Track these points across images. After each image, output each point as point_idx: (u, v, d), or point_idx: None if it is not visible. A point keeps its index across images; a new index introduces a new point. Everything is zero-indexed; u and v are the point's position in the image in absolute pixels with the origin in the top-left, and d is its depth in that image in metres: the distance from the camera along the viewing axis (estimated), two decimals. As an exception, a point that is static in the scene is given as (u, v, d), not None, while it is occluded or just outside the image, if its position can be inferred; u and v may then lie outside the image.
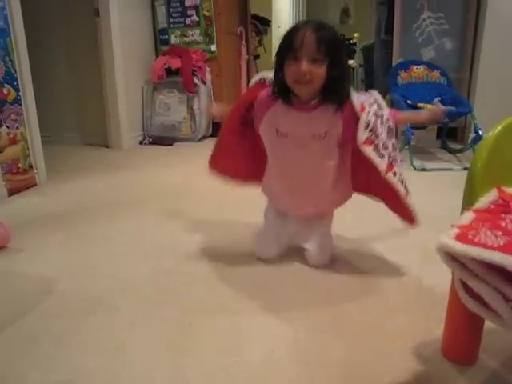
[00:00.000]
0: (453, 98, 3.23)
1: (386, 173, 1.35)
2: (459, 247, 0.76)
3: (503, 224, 0.84)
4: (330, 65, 1.27)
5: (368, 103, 1.35)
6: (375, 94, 1.41)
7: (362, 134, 1.31)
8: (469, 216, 0.89)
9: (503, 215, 0.88)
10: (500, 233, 0.78)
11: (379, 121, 1.34)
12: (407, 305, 1.35)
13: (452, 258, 0.82)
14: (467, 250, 0.75)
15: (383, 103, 1.40)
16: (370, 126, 1.32)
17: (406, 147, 3.01)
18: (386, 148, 1.34)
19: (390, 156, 1.36)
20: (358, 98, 1.36)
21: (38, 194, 2.58)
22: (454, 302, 1.00)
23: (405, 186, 1.44)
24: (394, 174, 1.39)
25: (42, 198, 2.51)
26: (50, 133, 3.61)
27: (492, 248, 0.73)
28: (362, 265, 1.61)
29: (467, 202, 0.96)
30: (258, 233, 1.67)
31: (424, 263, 1.59)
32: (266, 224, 1.63)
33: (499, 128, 1.00)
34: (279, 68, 1.34)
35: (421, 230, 1.91)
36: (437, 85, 3.35)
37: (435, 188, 2.52)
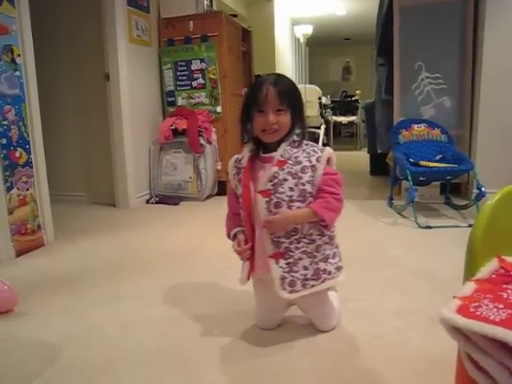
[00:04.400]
0: (454, 155, 3.28)
1: (270, 257, 1.42)
2: (461, 322, 0.77)
3: (505, 295, 0.84)
4: (293, 113, 1.42)
5: (295, 160, 1.40)
6: (325, 152, 1.44)
7: (263, 185, 1.40)
8: (470, 286, 0.89)
9: (504, 286, 0.89)
10: (502, 305, 0.79)
11: (292, 181, 1.39)
12: (414, 373, 1.33)
13: (456, 330, 0.82)
14: (469, 325, 0.75)
15: (320, 169, 1.41)
16: (274, 180, 1.39)
17: (411, 205, 3.03)
18: (278, 207, 1.39)
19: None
20: (293, 149, 1.43)
21: (45, 255, 2.60)
22: (461, 373, 0.99)
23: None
24: (287, 263, 1.43)
25: (49, 260, 2.53)
26: (58, 192, 3.68)
27: (494, 322, 0.74)
28: (367, 328, 1.60)
29: (468, 272, 0.97)
30: (256, 305, 1.65)
31: (430, 326, 1.57)
32: (258, 302, 1.63)
33: (497, 197, 1.02)
34: (246, 120, 1.46)
35: (426, 290, 1.92)
36: (438, 142, 3.41)
37: (440, 246, 2.51)
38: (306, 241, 1.43)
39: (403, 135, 3.43)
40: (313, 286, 1.44)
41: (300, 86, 6.94)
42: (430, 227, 2.88)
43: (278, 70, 6.94)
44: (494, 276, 0.92)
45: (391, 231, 2.90)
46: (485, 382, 0.81)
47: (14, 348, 1.56)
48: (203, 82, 4.13)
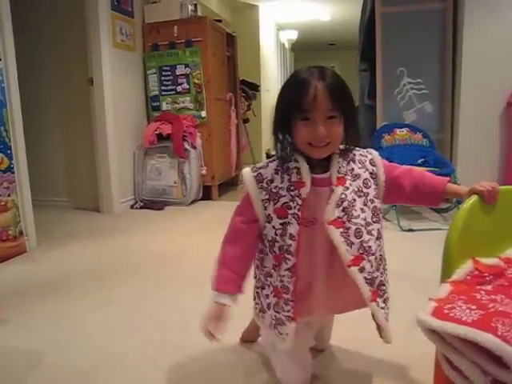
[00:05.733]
0: (435, 159, 3.34)
1: (372, 301, 1.11)
2: (435, 323, 0.79)
3: (478, 296, 0.87)
4: (346, 118, 1.08)
5: (352, 175, 1.11)
6: (373, 152, 1.20)
7: (332, 212, 1.07)
8: (446, 288, 0.92)
9: (478, 287, 0.91)
10: (474, 306, 0.81)
11: (359, 200, 1.10)
12: (395, 374, 1.35)
13: (432, 331, 0.84)
14: (443, 327, 0.77)
15: (380, 170, 1.15)
16: (344, 204, 1.07)
17: (393, 208, 3.07)
18: (359, 236, 1.08)
19: (366, 250, 1.10)
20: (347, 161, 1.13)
21: (27, 262, 2.58)
22: (439, 373, 1.01)
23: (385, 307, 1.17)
24: (383, 300, 1.15)
25: (32, 266, 2.51)
26: (41, 197, 3.65)
27: (466, 323, 0.76)
28: (348, 331, 1.61)
29: (445, 274, 0.99)
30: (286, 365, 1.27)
31: (411, 327, 1.58)
32: (292, 359, 1.23)
33: (471, 201, 1.05)
34: (283, 130, 1.11)
35: (408, 292, 1.94)
36: (420, 147, 3.47)
37: (422, 249, 2.55)
38: (387, 267, 1.22)
39: (386, 140, 3.47)
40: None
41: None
42: (412, 230, 2.92)
43: (263, 75, 6.98)
44: (468, 278, 0.95)
45: (374, 235, 2.92)
46: (460, 381, 0.83)
47: (-5, 355, 1.55)
48: (188, 86, 4.14)
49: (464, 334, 0.74)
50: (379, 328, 1.15)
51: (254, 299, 1.26)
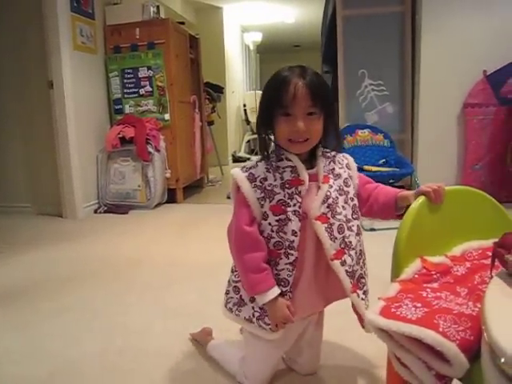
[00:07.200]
0: (396, 159, 3.41)
1: (352, 292, 1.17)
2: (382, 322, 0.81)
3: (424, 294, 0.90)
4: (326, 116, 1.13)
5: (334, 174, 1.18)
6: (350, 161, 1.26)
7: (318, 208, 1.12)
8: (395, 287, 0.95)
9: (425, 285, 0.94)
10: (420, 304, 0.84)
11: (341, 198, 1.16)
12: (352, 370, 1.38)
13: (381, 329, 0.86)
14: (389, 325, 0.80)
15: (354, 174, 1.24)
16: (329, 200, 1.13)
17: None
18: (341, 231, 1.14)
19: (347, 245, 1.16)
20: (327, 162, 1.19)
21: (-15, 270, 2.51)
22: (390, 368, 1.04)
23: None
24: (363, 292, 1.22)
25: (-10, 274, 2.44)
26: (2, 203, 3.57)
27: (410, 321, 0.79)
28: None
29: (394, 273, 1.02)
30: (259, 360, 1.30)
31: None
32: (268, 353, 1.27)
33: (420, 201, 1.09)
34: (266, 126, 1.16)
35: (370, 290, 1.98)
36: (381, 147, 3.54)
37: (383, 248, 2.58)
38: (366, 260, 1.28)
39: (348, 141, 3.53)
40: None
41: (250, 93, 6.95)
42: (374, 229, 2.98)
43: (228, 77, 6.98)
44: (416, 276, 0.98)
45: (337, 234, 2.97)
46: (409, 376, 0.86)
47: None
48: (151, 89, 4.10)
49: (408, 332, 0.76)
50: (360, 319, 1.20)
51: (228, 293, 1.26)
